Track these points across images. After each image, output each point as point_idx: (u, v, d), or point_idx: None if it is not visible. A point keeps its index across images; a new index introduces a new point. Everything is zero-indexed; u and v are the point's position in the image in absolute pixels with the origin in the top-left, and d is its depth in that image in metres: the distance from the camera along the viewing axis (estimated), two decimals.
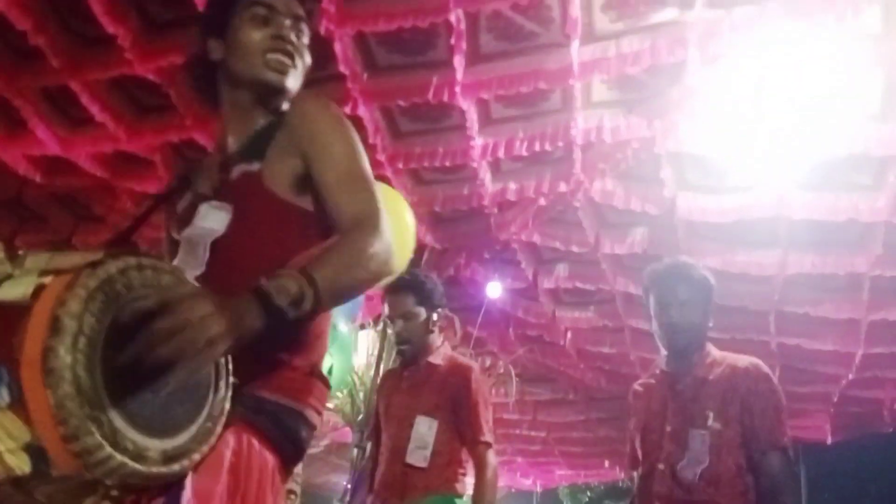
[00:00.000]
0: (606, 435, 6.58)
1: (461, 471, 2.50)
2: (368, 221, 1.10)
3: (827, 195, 3.40)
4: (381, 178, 3.71)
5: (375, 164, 3.54)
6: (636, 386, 2.19)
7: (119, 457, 0.73)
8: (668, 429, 1.97)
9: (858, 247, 3.70)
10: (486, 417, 2.50)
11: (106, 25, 2.93)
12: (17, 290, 0.83)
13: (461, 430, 2.47)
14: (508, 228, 4.08)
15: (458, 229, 4.30)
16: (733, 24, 2.67)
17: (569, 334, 5.15)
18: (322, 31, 2.84)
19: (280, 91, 1.23)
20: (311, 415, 1.11)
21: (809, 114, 3.06)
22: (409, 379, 2.59)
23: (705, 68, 2.95)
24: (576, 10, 2.69)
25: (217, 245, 1.14)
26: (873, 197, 3.34)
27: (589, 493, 11.34)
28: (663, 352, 2.08)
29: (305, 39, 1.30)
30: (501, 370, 5.62)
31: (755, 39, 2.74)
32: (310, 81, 3.30)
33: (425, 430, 2.42)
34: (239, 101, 1.25)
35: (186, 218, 1.20)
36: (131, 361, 0.78)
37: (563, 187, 3.67)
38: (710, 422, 1.92)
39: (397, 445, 2.46)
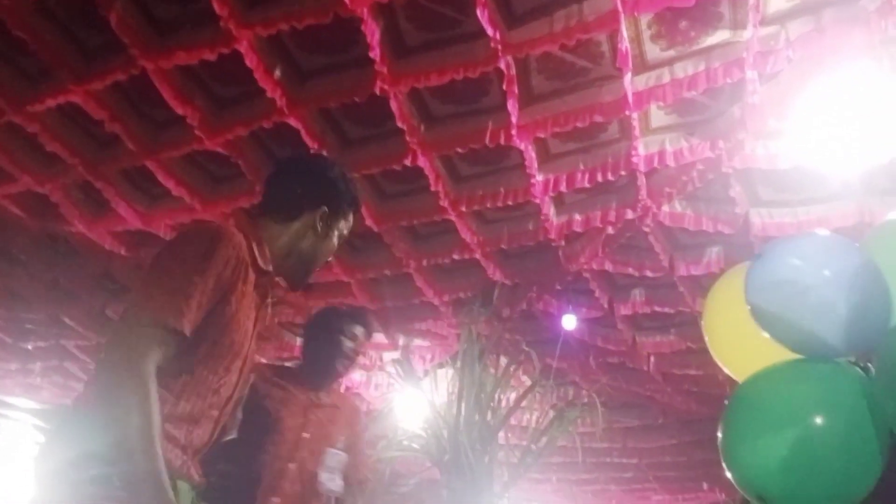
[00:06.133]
0: (702, 458, 6.36)
1: None
2: None
3: None
4: (446, 222, 3.76)
5: (439, 209, 3.60)
6: None
7: None
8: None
9: None
10: None
11: (175, 108, 3.09)
12: None
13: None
14: (578, 259, 4.04)
15: (527, 264, 4.29)
16: (789, 38, 2.61)
17: (652, 359, 5.04)
18: (378, 90, 2.92)
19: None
20: None
21: (885, 117, 2.94)
22: (324, 402, 2.61)
23: (767, 84, 2.89)
24: (625, 43, 2.67)
25: None
26: None
27: None
28: None
29: None
30: (585, 400, 5.53)
31: (816, 50, 2.66)
32: (370, 137, 3.39)
33: (335, 463, 2.50)
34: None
35: None
36: None
37: (630, 214, 3.62)
38: None
39: (307, 469, 2.45)
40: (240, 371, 1.54)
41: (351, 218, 1.81)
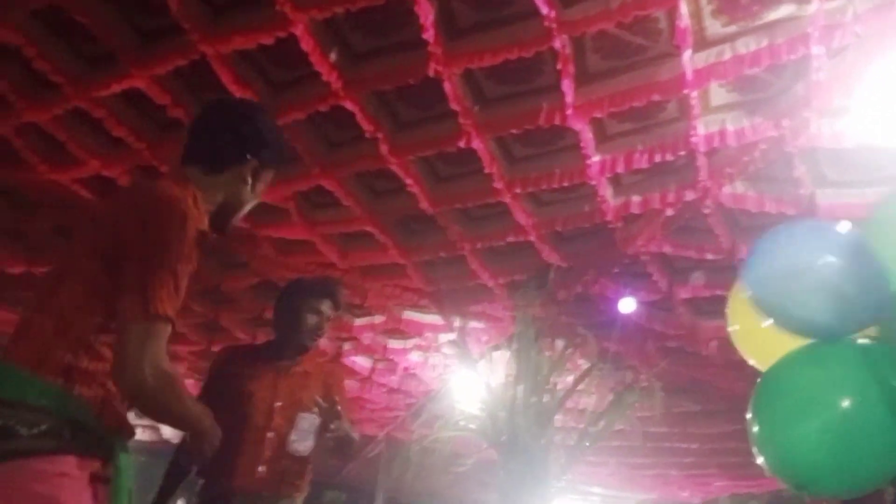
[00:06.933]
0: None
1: None
2: None
3: None
4: (500, 204, 3.74)
5: (493, 191, 3.59)
6: None
7: None
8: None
9: None
10: None
11: (234, 92, 3.15)
12: None
13: None
14: (635, 242, 3.98)
15: (583, 247, 4.24)
16: (856, 12, 2.49)
17: (714, 343, 4.93)
18: (431, 72, 2.92)
19: None
20: None
21: None
22: (293, 371, 2.71)
23: (832, 59, 2.77)
24: (684, 19, 2.60)
25: None
26: None
27: None
28: None
29: None
30: (644, 384, 5.46)
31: (884, 23, 2.54)
32: (424, 120, 3.38)
33: (308, 426, 2.59)
34: None
35: None
36: None
37: (689, 196, 3.54)
38: None
39: (282, 434, 2.58)
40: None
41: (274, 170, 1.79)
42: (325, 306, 2.73)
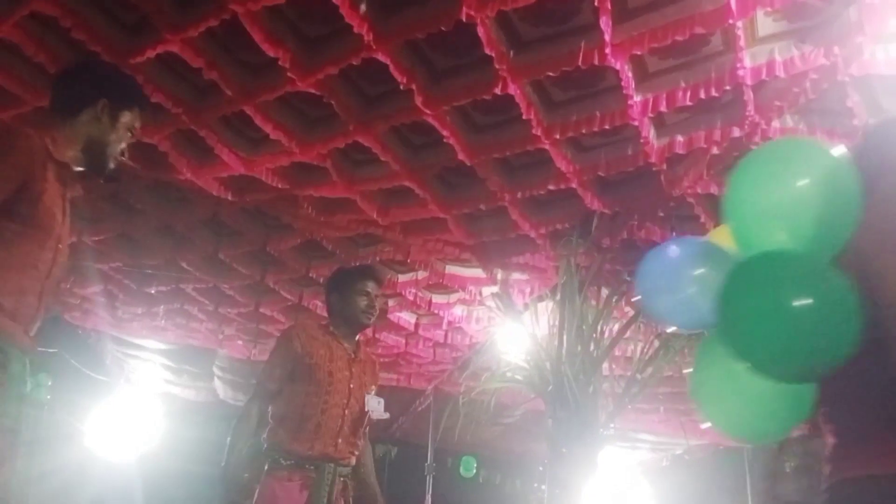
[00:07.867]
0: None
1: None
2: None
3: None
4: (540, 151, 3.68)
5: (532, 139, 3.52)
6: None
7: None
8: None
9: None
10: None
11: (267, 50, 3.13)
12: None
13: None
14: (681, 183, 3.88)
15: (627, 191, 4.16)
16: None
17: None
18: (464, 17, 2.85)
19: None
20: None
21: None
22: (359, 358, 3.15)
23: None
24: None
25: None
26: None
27: None
28: None
29: None
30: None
31: None
32: (458, 67, 3.32)
33: (376, 404, 3.05)
34: None
35: None
36: None
37: (737, 132, 3.43)
38: None
39: (356, 412, 3.01)
40: (54, 250, 1.84)
41: (137, 112, 2.07)
42: (371, 287, 3.16)
